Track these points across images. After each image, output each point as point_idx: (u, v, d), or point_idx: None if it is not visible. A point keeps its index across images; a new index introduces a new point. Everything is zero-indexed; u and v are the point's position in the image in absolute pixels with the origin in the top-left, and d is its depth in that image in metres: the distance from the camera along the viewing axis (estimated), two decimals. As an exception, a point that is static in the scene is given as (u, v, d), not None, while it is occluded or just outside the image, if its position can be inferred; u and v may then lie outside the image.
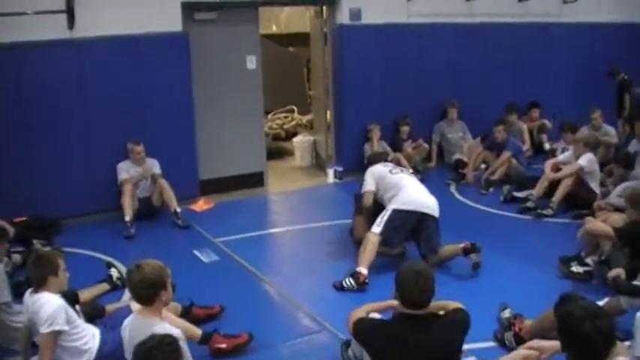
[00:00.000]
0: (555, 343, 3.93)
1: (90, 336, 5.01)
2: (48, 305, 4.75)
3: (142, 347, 3.41)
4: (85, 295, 6.27)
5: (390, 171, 7.45)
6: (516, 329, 5.35)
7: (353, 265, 7.00)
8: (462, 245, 7.04)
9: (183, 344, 3.95)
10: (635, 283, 5.21)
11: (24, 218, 8.26)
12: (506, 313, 5.68)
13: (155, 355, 3.35)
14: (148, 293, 4.10)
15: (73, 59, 8.66)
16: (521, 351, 4.15)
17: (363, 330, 4.37)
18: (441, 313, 4.37)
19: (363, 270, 6.73)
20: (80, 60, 8.71)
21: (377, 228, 6.94)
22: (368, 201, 7.37)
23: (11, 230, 7.68)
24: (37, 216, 8.38)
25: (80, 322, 5.03)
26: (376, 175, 7.44)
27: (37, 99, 8.51)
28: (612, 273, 5.47)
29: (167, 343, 3.43)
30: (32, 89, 8.48)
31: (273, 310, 6.38)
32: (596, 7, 12.80)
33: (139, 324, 4.14)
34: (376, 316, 4.68)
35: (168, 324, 4.18)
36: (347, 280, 6.70)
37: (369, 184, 7.41)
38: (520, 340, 5.20)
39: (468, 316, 4.37)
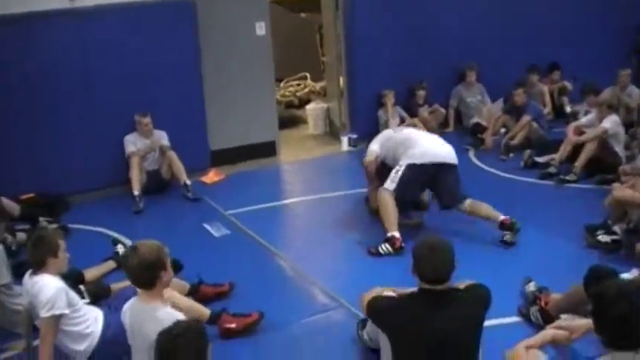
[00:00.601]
0: (587, 323, 3.66)
1: (92, 319, 4.77)
2: (47, 288, 4.51)
3: (166, 336, 3.15)
4: (90, 274, 6.09)
5: (394, 131, 7.29)
6: (542, 304, 5.06)
7: (369, 236, 6.85)
8: (501, 217, 6.70)
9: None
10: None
11: (31, 195, 8.08)
12: (531, 287, 5.40)
13: (181, 344, 3.10)
14: (148, 276, 3.83)
15: (76, 30, 8.40)
16: (550, 331, 3.86)
17: (378, 308, 4.09)
18: (461, 287, 4.07)
19: (396, 234, 6.57)
20: (83, 31, 8.44)
21: (391, 184, 6.70)
22: (369, 163, 7.14)
23: (16, 208, 7.54)
24: (45, 193, 8.18)
25: (82, 304, 4.80)
26: (380, 138, 7.23)
27: (40, 73, 8.27)
28: (641, 245, 5.16)
29: (194, 329, 3.19)
30: (35, 62, 8.23)
31: (285, 287, 6.11)
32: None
33: (140, 309, 3.88)
34: (389, 293, 4.40)
35: (171, 307, 3.92)
36: (383, 245, 6.53)
37: (372, 148, 7.22)
38: (546, 316, 4.94)
39: (488, 290, 4.08)
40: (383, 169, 7.13)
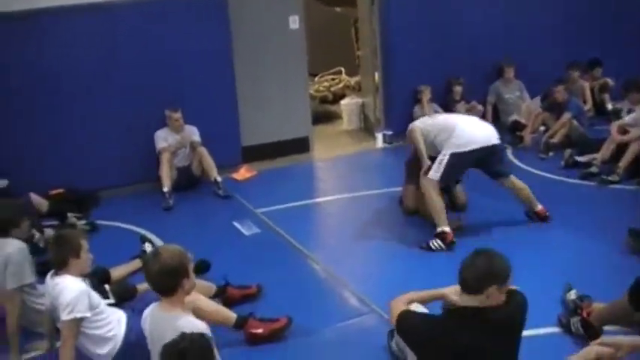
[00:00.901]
0: (634, 340, 3.44)
1: (115, 322, 4.65)
2: (68, 290, 4.39)
3: (171, 349, 2.99)
4: (117, 273, 5.98)
5: (429, 117, 7.26)
6: (584, 314, 4.80)
7: (404, 237, 6.74)
8: (539, 207, 6.97)
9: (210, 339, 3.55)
10: None
11: (60, 191, 8.00)
12: (572, 295, 5.14)
13: (187, 358, 2.94)
14: (169, 283, 3.67)
15: (106, 24, 8.28)
16: (594, 347, 3.62)
17: (407, 327, 3.87)
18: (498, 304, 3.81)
19: (446, 228, 6.52)
20: (113, 25, 8.32)
21: (435, 174, 6.61)
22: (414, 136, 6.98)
23: (44, 204, 7.46)
24: (74, 188, 8.10)
25: (104, 307, 4.67)
26: (420, 130, 6.99)
27: (70, 68, 8.19)
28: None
29: (200, 344, 3.02)
30: (65, 58, 8.16)
31: (316, 290, 5.89)
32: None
33: (160, 317, 3.73)
34: (420, 309, 4.18)
35: (195, 311, 3.76)
36: (434, 241, 6.48)
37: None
38: (588, 327, 4.69)
39: (524, 299, 3.84)
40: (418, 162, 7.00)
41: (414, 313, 4.02)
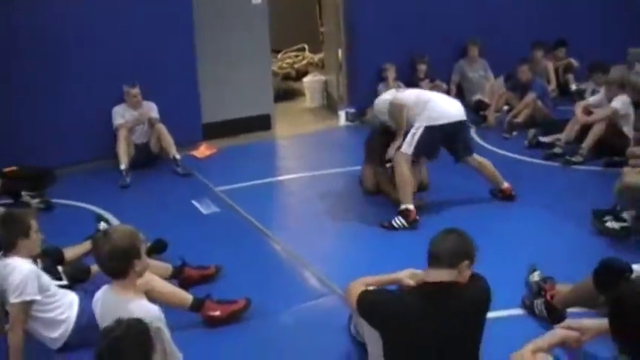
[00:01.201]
0: (599, 324, 3.36)
1: (67, 304, 4.48)
2: (17, 272, 4.21)
3: (106, 336, 2.81)
4: (70, 253, 5.71)
5: (398, 91, 7.14)
6: (548, 296, 4.72)
7: (365, 216, 6.64)
8: (505, 185, 6.99)
9: (162, 325, 3.40)
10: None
11: (14, 168, 7.70)
12: (536, 277, 5.06)
13: (122, 347, 2.77)
14: (120, 265, 3.49)
15: (58, -2, 8.02)
16: (559, 331, 3.53)
17: (371, 303, 3.72)
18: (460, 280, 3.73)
19: (410, 206, 6.42)
20: (66, -1, 8.07)
21: (408, 148, 6.50)
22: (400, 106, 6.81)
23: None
24: (29, 166, 7.80)
25: (56, 289, 4.49)
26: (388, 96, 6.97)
27: (24, 42, 7.92)
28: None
29: (136, 331, 2.83)
30: (18, 32, 7.88)
31: (276, 271, 5.75)
32: None
33: (112, 300, 3.56)
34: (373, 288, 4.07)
35: (146, 299, 3.60)
36: (397, 219, 6.37)
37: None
38: (551, 309, 4.62)
39: (487, 285, 3.75)
40: (382, 139, 6.97)
41: (376, 289, 3.92)
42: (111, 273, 3.57)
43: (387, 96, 7.07)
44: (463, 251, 3.57)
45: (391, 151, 6.73)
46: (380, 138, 7.13)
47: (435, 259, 3.57)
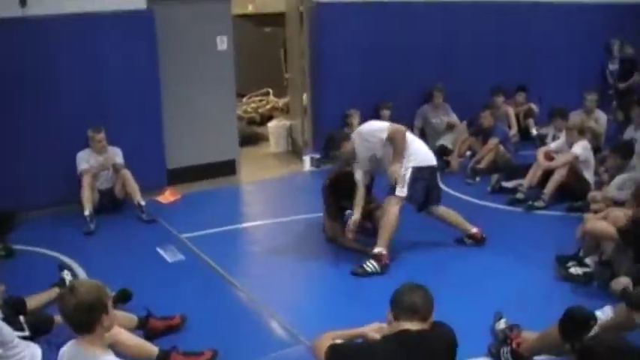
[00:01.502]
0: None
1: (29, 357, 4.39)
2: (-24, 325, 4.12)
3: None
4: (33, 302, 5.64)
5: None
6: (514, 344, 4.76)
7: (332, 265, 6.66)
8: (474, 230, 7.03)
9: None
10: (650, 294, 4.62)
11: (-25, 211, 7.61)
12: (502, 324, 5.10)
13: None
14: (87, 319, 3.43)
15: (27, 39, 7.91)
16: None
17: (342, 356, 3.74)
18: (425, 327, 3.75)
19: (384, 250, 6.43)
20: (34, 40, 7.95)
21: (402, 191, 6.54)
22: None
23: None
24: (-9, 209, 7.72)
25: (17, 341, 4.40)
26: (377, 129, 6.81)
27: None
28: (618, 285, 4.88)
29: None
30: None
31: (241, 320, 5.69)
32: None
33: (79, 355, 3.48)
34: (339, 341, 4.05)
35: (113, 355, 3.53)
36: (369, 263, 6.36)
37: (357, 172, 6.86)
38: (518, 357, 4.67)
39: (452, 331, 3.77)
40: (335, 189, 7.04)
41: (345, 342, 3.91)
42: (77, 328, 3.50)
43: (379, 124, 7.04)
44: (432, 305, 3.65)
45: (393, 174, 6.58)
46: (332, 189, 7.17)
47: (412, 312, 3.60)
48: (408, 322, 3.59)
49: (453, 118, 10.80)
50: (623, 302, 4.74)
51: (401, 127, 6.79)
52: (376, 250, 6.43)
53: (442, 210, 6.99)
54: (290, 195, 9.07)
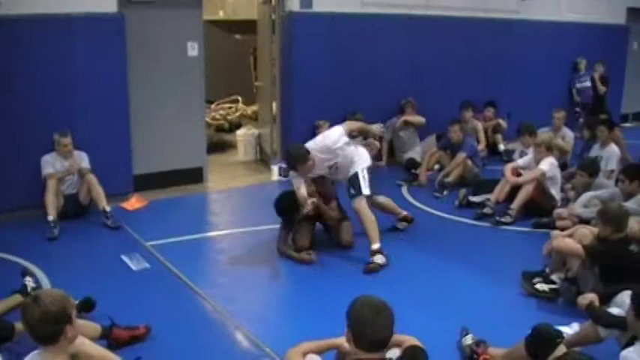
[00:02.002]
0: None
1: (-11, 366, 4.30)
2: None
3: None
4: (-7, 309, 5.55)
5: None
6: (481, 360, 4.77)
7: (299, 276, 6.67)
8: (404, 213, 7.88)
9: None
10: (614, 312, 4.65)
11: None
12: (468, 340, 5.09)
13: None
14: (51, 330, 3.36)
15: (-4, 39, 7.83)
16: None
17: None
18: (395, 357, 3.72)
19: (379, 244, 6.86)
20: (4, 40, 7.82)
21: (367, 190, 6.98)
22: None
23: None
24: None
25: (-22, 349, 4.31)
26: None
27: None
28: (585, 300, 4.90)
29: None
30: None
31: (207, 331, 5.58)
32: (556, 5, 12.57)
33: (42, 366, 3.42)
34: (315, 358, 4.02)
35: (79, 356, 3.46)
36: (379, 257, 6.74)
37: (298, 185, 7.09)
38: (485, 374, 4.66)
39: (425, 355, 3.75)
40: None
41: None
42: (41, 339, 3.42)
43: (332, 137, 7.10)
44: (392, 329, 3.55)
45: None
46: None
47: (374, 349, 3.50)
48: (367, 354, 3.51)
49: (418, 118, 10.82)
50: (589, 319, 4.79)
51: (346, 123, 7.38)
52: (375, 246, 6.81)
53: (382, 198, 7.64)
54: (257, 204, 8.99)
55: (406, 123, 10.68)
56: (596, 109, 12.91)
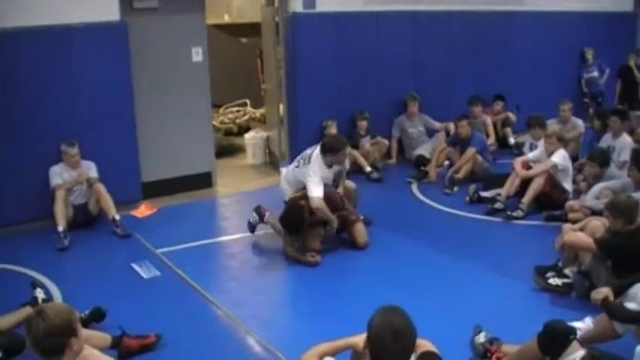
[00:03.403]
0: None
1: (0, 380, 4.28)
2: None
3: None
4: (4, 322, 5.52)
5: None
6: (494, 359, 4.72)
7: (309, 279, 6.61)
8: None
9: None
10: (630, 306, 4.58)
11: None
12: (481, 338, 5.03)
13: None
14: (56, 343, 3.33)
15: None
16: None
17: None
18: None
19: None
20: (6, 53, 7.86)
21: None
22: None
23: None
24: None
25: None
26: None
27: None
28: (599, 295, 4.82)
29: None
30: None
31: (217, 337, 5.56)
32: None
33: (49, 380, 3.39)
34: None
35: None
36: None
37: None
38: (498, 372, 4.61)
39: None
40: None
41: None
42: (46, 352, 3.40)
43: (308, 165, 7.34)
44: (411, 352, 3.48)
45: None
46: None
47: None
48: None
49: (435, 124, 10.80)
50: (603, 313, 4.72)
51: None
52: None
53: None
54: (267, 207, 8.93)
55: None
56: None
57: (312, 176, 7.16)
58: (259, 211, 7.74)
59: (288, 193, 7.57)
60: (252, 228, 7.73)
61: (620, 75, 13.29)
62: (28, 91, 8.04)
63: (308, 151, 7.55)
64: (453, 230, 7.94)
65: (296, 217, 7.02)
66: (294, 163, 7.72)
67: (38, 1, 7.91)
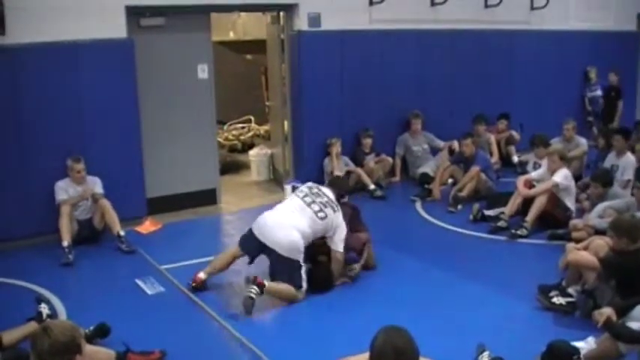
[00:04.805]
0: None
1: (4, 396, 4.29)
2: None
3: None
4: (9, 337, 5.52)
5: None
6: (497, 379, 4.73)
7: (312, 296, 6.60)
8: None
9: None
10: (634, 326, 4.59)
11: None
12: (485, 357, 5.05)
13: None
14: (61, 360, 3.37)
15: (6, 68, 7.89)
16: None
17: None
18: None
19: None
20: (14, 69, 7.94)
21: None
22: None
23: None
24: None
25: (-7, 379, 4.31)
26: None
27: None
28: (601, 317, 4.82)
29: None
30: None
31: (221, 354, 5.59)
32: (565, 14, 12.51)
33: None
34: None
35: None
36: None
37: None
38: (502, 392, 4.62)
39: None
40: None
41: None
42: (51, 369, 3.43)
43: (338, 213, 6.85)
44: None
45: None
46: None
47: None
48: None
49: (439, 143, 10.83)
50: (606, 333, 4.73)
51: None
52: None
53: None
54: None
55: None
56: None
57: (344, 229, 6.79)
58: (257, 282, 6.30)
59: (301, 242, 6.58)
60: (252, 305, 6.19)
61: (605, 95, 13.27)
62: (36, 107, 8.11)
63: (326, 194, 6.92)
64: (457, 248, 7.95)
65: (329, 282, 6.80)
66: (315, 207, 6.74)
67: (47, 18, 7.98)
